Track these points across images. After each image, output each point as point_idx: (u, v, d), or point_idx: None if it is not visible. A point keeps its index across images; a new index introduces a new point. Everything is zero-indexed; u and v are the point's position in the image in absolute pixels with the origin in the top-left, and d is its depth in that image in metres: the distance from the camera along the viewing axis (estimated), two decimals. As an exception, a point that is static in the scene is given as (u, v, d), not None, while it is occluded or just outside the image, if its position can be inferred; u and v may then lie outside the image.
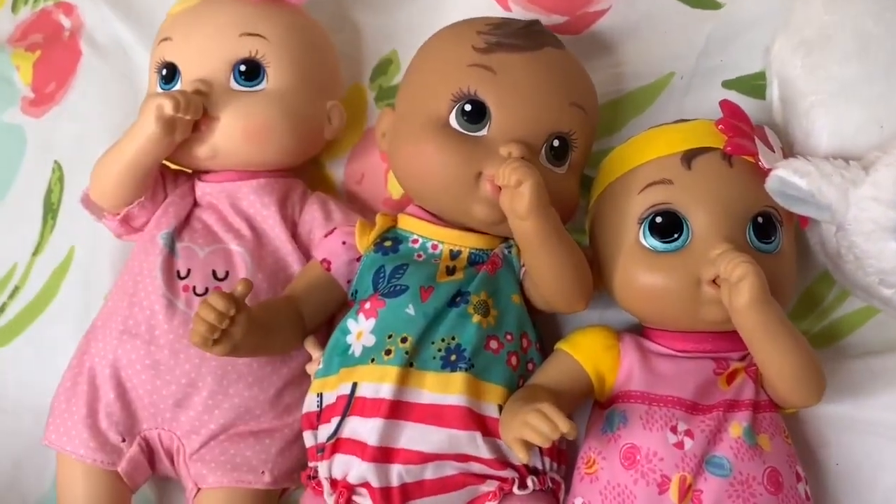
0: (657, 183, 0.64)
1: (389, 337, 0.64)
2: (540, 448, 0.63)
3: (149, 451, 0.70)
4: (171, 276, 0.70)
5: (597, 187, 0.70)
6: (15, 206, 0.92)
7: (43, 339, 0.86)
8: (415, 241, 0.70)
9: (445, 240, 0.69)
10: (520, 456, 0.58)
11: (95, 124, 0.91)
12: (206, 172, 0.76)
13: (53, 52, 0.96)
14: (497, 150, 0.65)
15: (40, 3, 0.99)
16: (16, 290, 0.89)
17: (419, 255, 0.69)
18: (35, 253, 0.89)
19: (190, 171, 0.78)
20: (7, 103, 0.96)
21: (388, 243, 0.70)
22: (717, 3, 0.79)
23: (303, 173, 0.82)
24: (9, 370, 0.86)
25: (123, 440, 0.69)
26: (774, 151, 0.64)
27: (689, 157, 0.64)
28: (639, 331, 0.68)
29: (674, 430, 0.60)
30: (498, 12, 0.81)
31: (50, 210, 0.90)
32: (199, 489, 0.69)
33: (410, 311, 0.65)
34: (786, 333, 0.59)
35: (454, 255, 0.69)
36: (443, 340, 0.64)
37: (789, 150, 0.68)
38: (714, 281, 0.60)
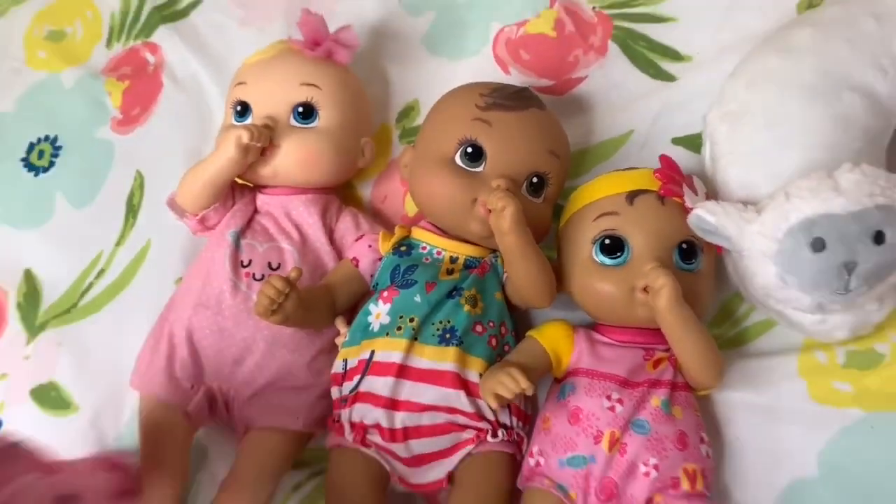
0: (607, 214, 0.78)
1: (401, 317, 0.78)
2: (510, 408, 0.78)
3: (210, 399, 0.84)
4: (237, 264, 0.85)
5: (564, 215, 0.85)
6: (103, 205, 1.06)
7: (121, 313, 0.99)
8: (424, 248, 0.85)
9: (447, 248, 0.84)
10: (491, 405, 0.72)
11: (171, 142, 1.06)
12: (266, 187, 0.91)
13: (140, 82, 1.11)
14: (489, 183, 0.79)
15: (130, 41, 1.15)
16: (101, 272, 1.03)
17: (426, 259, 0.84)
18: (118, 244, 1.03)
19: (252, 185, 0.93)
20: (100, 122, 1.11)
21: (403, 248, 0.85)
22: (672, 77, 0.94)
23: (339, 192, 0.96)
24: (92, 337, 1.00)
25: (192, 387, 0.83)
26: (698, 195, 0.79)
27: (632, 196, 0.78)
28: (590, 326, 0.82)
29: (608, 398, 0.74)
30: (500, 74, 0.98)
31: (131, 210, 1.04)
32: (247, 430, 0.83)
33: (418, 299, 0.79)
34: (693, 330, 0.74)
35: (453, 260, 0.83)
36: (440, 322, 0.78)
37: (714, 195, 0.82)
38: (644, 289, 0.75)
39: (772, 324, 0.84)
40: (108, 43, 1.17)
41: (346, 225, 0.91)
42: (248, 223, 0.90)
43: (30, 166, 1.13)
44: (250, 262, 0.86)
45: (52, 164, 1.12)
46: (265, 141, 0.86)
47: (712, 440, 0.78)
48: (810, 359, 0.81)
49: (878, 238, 0.70)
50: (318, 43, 0.91)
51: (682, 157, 0.89)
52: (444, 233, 0.85)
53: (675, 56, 0.95)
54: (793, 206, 0.72)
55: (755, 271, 0.75)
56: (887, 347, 0.80)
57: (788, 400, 0.80)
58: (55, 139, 1.13)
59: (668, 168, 0.81)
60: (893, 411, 0.77)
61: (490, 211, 0.78)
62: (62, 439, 0.94)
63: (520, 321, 0.86)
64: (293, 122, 0.89)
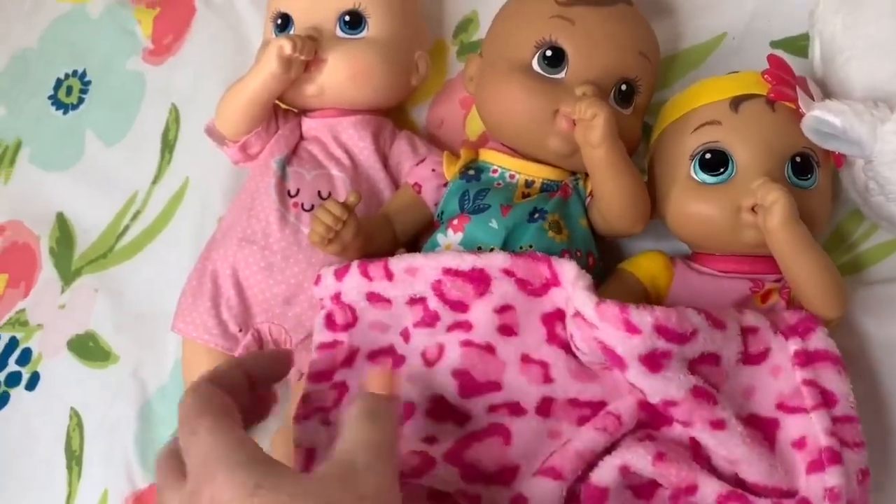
0: (707, 124, 0.69)
1: (478, 248, 0.70)
2: None
3: (260, 342, 0.78)
4: (283, 194, 0.78)
5: (655, 129, 0.76)
6: (136, 141, 1.00)
7: (160, 256, 0.94)
8: (494, 171, 0.75)
9: (522, 171, 0.74)
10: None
11: (207, 72, 0.99)
12: (312, 111, 0.83)
13: (171, 8, 1.04)
14: (573, 91, 0.69)
15: None
16: (137, 213, 0.97)
17: (498, 184, 0.74)
18: (154, 182, 0.97)
19: (297, 111, 0.85)
20: (130, 53, 1.05)
21: (471, 172, 0.76)
22: None
23: (391, 117, 0.88)
24: (130, 282, 0.94)
25: (240, 330, 0.77)
26: (814, 99, 0.69)
27: (736, 102, 0.69)
28: (687, 256, 0.74)
29: None
30: None
31: (167, 145, 0.98)
32: (301, 375, 0.75)
33: (493, 224, 0.70)
34: (812, 251, 0.64)
35: (529, 184, 0.74)
36: (522, 248, 0.70)
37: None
38: (753, 209, 0.66)
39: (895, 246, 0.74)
40: (136, -34, 1.09)
41: (401, 149, 0.83)
42: (294, 151, 0.82)
43: (58, 104, 1.08)
44: (298, 191, 0.79)
45: (81, 100, 1.06)
46: (309, 53, 0.77)
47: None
48: (944, 286, 0.71)
49: None
50: (364, -57, 0.81)
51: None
52: (516, 153, 0.75)
53: (773, -54, 0.84)
54: (939, 97, 0.61)
55: (889, 177, 0.65)
56: None
57: (918, 333, 0.70)
58: (83, 74, 1.08)
59: (779, 68, 0.70)
60: None
61: (574, 123, 0.69)
62: (103, 392, 0.90)
63: (608, 254, 0.78)
64: (340, 32, 0.80)
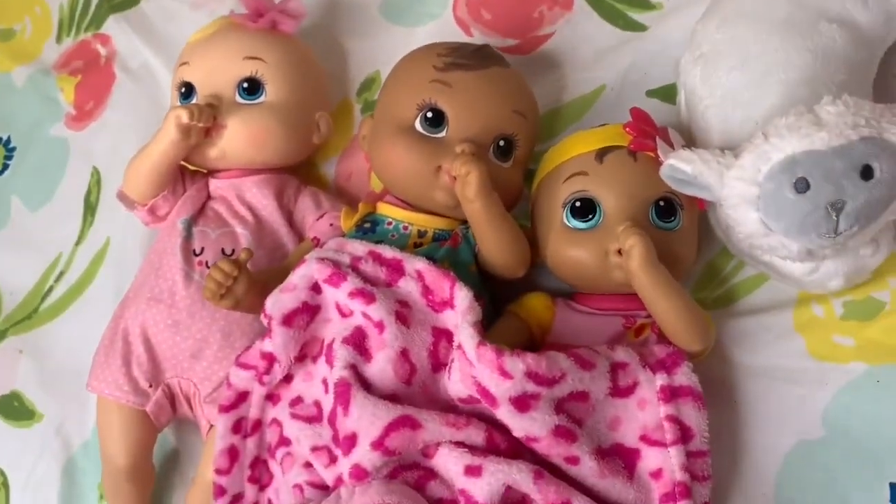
0: (576, 175, 0.74)
1: None
2: None
3: (171, 396, 0.81)
4: (189, 253, 0.82)
5: (535, 179, 0.81)
6: (60, 205, 1.04)
7: (83, 315, 0.97)
8: (389, 224, 0.80)
9: (415, 222, 0.79)
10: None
11: (127, 136, 1.02)
12: (218, 171, 0.87)
13: (92, 75, 1.08)
14: (453, 148, 0.75)
15: (80, 34, 1.11)
16: (61, 274, 1.00)
17: (393, 235, 0.79)
18: (77, 243, 1.01)
19: (205, 171, 0.89)
20: (53, 119, 1.08)
21: (367, 225, 0.80)
22: (643, 27, 0.89)
23: (301, 172, 0.92)
24: (56, 341, 0.97)
25: (151, 386, 0.80)
26: (674, 148, 0.74)
27: (601, 153, 0.74)
28: (570, 296, 0.78)
29: None
30: (462, 37, 0.93)
31: (89, 207, 1.02)
32: (211, 426, 0.79)
33: None
34: (670, 291, 0.69)
35: (422, 234, 0.79)
36: None
37: (692, 146, 0.75)
38: (619, 252, 0.70)
39: (763, 279, 0.79)
40: (59, 37, 1.14)
41: (305, 205, 0.88)
42: (201, 210, 0.86)
43: (-16, 171, 1.11)
44: (203, 249, 0.83)
45: (5, 166, 1.10)
46: (207, 120, 0.82)
47: (713, 405, 0.73)
48: (806, 313, 0.76)
49: (866, 173, 0.64)
50: (261, 14, 0.87)
51: (657, 109, 0.85)
52: (409, 206, 0.81)
53: (645, 5, 0.91)
54: (772, 145, 0.67)
55: (737, 220, 0.70)
56: (887, 295, 0.75)
57: (787, 359, 0.76)
58: (8, 140, 1.11)
59: (639, 120, 0.76)
60: (899, 363, 0.72)
61: (455, 178, 0.73)
62: (28, 451, 0.92)
63: (501, 291, 0.82)
64: (239, 98, 0.85)
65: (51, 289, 1.00)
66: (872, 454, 0.71)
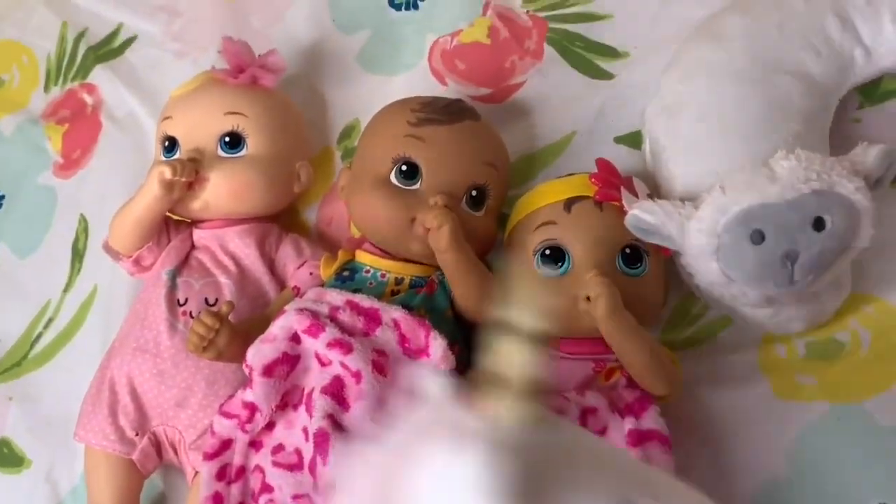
0: (546, 224, 0.77)
1: None
2: None
3: (157, 444, 0.83)
4: (173, 303, 0.84)
5: (507, 227, 0.83)
6: (48, 252, 1.05)
7: (72, 362, 0.97)
8: (367, 272, 0.82)
9: (392, 270, 0.82)
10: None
11: (114, 184, 1.03)
12: (201, 221, 0.89)
13: (79, 124, 1.10)
14: (427, 200, 0.78)
15: (67, 83, 1.13)
16: (49, 321, 1.01)
17: (371, 283, 0.81)
18: (65, 290, 1.02)
19: (189, 220, 0.91)
20: (41, 168, 1.09)
21: (346, 273, 0.83)
22: (610, 75, 0.92)
23: (283, 218, 0.94)
24: (44, 388, 0.98)
25: (137, 434, 0.81)
26: (639, 197, 0.76)
27: (569, 203, 0.77)
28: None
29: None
30: (437, 86, 0.96)
31: (77, 255, 1.03)
32: (196, 473, 0.81)
33: None
34: (635, 337, 0.72)
35: (399, 282, 0.81)
36: None
37: (656, 193, 0.80)
38: (588, 298, 0.73)
39: (728, 321, 0.82)
40: (46, 87, 1.15)
41: (286, 252, 0.90)
42: (185, 260, 0.88)
43: (-28, 220, 1.12)
44: (186, 300, 0.85)
45: None
46: (189, 175, 0.84)
47: (681, 445, 0.75)
48: (771, 353, 0.79)
49: (818, 225, 0.68)
50: (241, 69, 0.89)
51: (624, 155, 0.88)
52: (387, 254, 0.83)
53: (612, 54, 0.94)
54: (729, 198, 0.70)
55: (699, 269, 0.73)
56: (847, 335, 0.78)
57: (753, 399, 0.78)
58: None
59: (604, 171, 0.79)
60: (860, 402, 0.75)
61: (429, 229, 0.77)
62: (17, 497, 0.93)
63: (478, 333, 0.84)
64: (221, 152, 0.87)
65: (39, 335, 1.01)
66: (836, 491, 0.72)
